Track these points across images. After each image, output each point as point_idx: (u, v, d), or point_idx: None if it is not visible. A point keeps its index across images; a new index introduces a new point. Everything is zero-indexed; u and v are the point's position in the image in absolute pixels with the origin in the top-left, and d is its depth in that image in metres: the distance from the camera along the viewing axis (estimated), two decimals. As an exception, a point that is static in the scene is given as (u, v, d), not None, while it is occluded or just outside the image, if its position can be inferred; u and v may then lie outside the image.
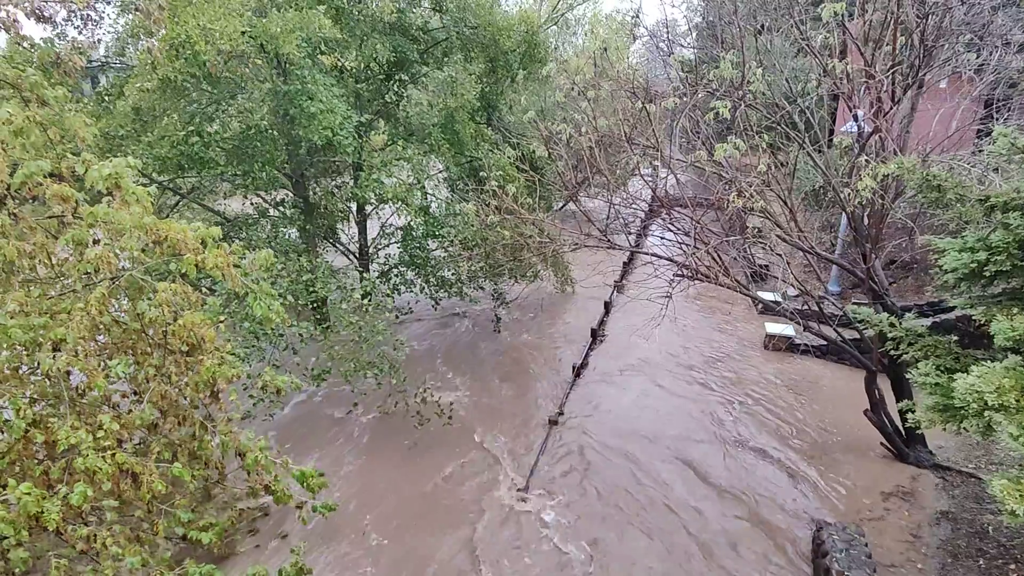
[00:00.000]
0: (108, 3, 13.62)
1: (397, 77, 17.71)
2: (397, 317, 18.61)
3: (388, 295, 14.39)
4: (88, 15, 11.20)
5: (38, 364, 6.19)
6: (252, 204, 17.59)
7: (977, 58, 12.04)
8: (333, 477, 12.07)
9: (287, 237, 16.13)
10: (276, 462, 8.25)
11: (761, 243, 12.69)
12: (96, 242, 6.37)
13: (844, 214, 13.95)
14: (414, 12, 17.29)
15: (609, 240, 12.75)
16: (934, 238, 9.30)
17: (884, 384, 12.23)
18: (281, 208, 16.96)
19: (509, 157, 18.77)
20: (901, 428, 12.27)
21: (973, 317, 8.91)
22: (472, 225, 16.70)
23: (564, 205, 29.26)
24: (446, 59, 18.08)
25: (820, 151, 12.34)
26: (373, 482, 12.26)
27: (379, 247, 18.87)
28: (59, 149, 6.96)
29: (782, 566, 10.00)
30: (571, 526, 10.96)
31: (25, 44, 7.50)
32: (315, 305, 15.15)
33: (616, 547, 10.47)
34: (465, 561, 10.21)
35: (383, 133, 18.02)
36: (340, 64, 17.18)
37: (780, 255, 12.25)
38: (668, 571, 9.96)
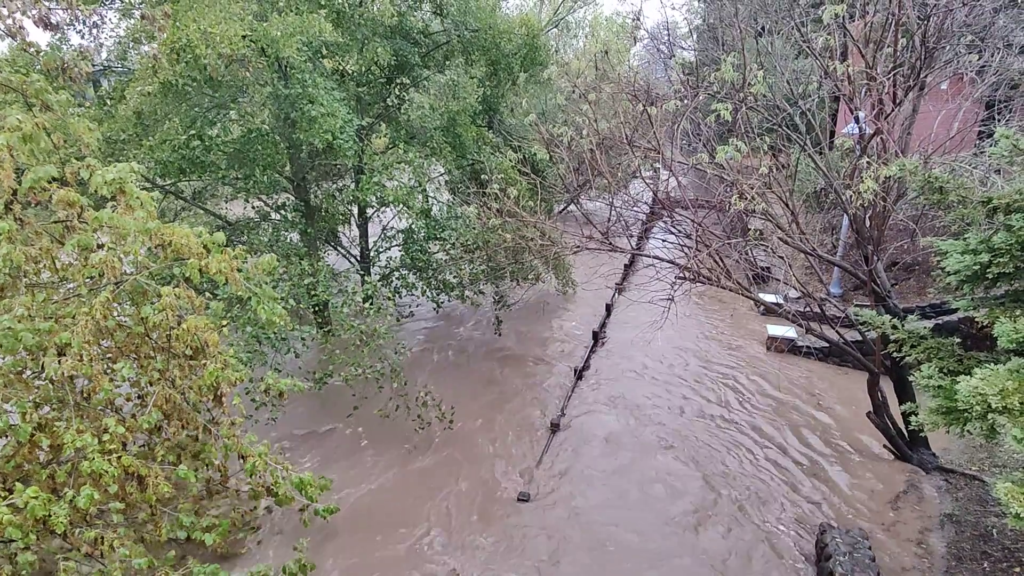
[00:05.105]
0: (110, 7, 13.69)
1: (398, 80, 17.76)
2: (399, 320, 18.63)
3: (389, 298, 14.40)
4: (96, 22, 11.25)
5: (43, 368, 6.20)
6: (253, 208, 17.62)
7: (978, 59, 12.05)
8: (334, 480, 12.07)
9: (288, 240, 16.16)
10: (277, 468, 8.26)
11: (763, 245, 12.71)
12: (100, 247, 6.39)
13: (846, 216, 13.96)
14: (415, 16, 17.35)
15: (610, 242, 12.77)
16: (936, 240, 9.30)
17: (887, 386, 12.22)
18: (282, 211, 16.99)
19: (510, 160, 18.81)
20: (904, 430, 12.26)
21: (976, 319, 8.91)
22: (473, 228, 16.74)
23: (565, 208, 29.30)
24: (447, 62, 18.13)
25: (821, 153, 12.37)
26: (373, 485, 12.25)
27: (380, 250, 18.89)
28: (63, 153, 6.98)
29: (785, 570, 9.98)
30: (568, 531, 10.92)
31: (31, 51, 7.54)
32: (316, 309, 15.16)
33: (616, 547, 10.46)
34: (463, 561, 10.21)
35: (384, 136, 18.07)
36: (341, 68, 17.25)
37: (782, 257, 12.25)
38: None
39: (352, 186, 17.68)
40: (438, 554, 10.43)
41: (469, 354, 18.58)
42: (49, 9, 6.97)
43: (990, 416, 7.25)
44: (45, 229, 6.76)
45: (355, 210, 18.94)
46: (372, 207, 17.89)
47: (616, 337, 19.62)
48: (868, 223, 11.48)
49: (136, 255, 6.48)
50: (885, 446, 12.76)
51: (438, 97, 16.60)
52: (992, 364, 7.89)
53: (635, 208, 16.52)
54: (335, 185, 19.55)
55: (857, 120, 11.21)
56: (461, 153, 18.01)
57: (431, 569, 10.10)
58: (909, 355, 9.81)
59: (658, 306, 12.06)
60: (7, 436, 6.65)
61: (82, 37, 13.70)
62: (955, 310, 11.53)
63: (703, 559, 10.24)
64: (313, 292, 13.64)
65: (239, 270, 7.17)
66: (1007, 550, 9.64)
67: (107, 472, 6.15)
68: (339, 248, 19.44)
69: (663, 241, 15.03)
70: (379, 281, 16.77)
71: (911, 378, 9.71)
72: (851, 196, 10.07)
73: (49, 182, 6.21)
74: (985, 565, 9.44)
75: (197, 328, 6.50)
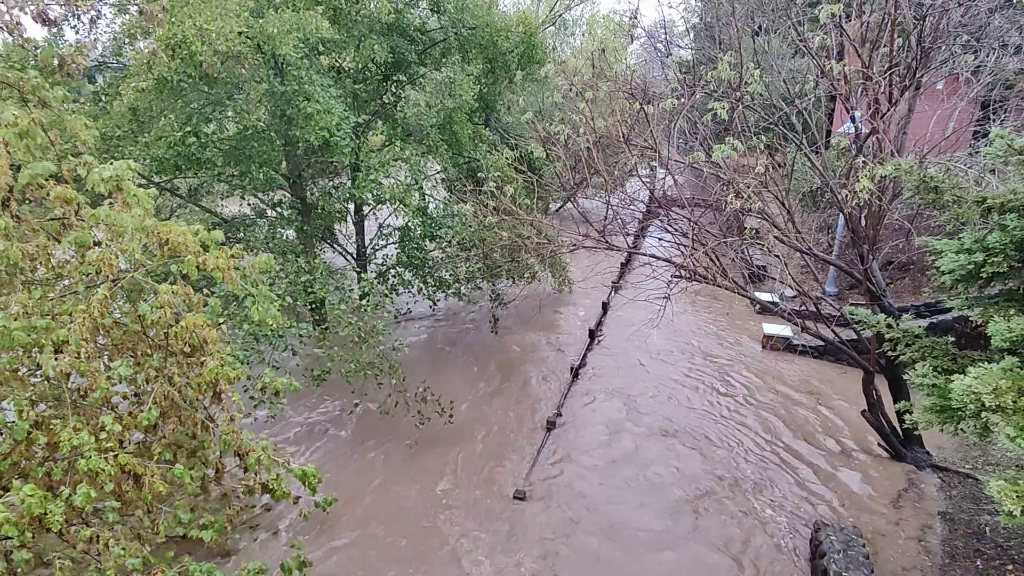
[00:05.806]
0: (106, 1, 13.60)
1: (395, 78, 17.73)
2: (396, 318, 18.61)
3: (386, 295, 14.40)
4: (94, 18, 11.19)
5: (40, 365, 6.19)
6: (249, 205, 17.57)
7: (974, 60, 12.09)
8: (334, 476, 12.08)
9: (285, 238, 16.11)
10: (278, 461, 8.27)
11: (759, 244, 12.74)
12: (97, 244, 6.36)
13: (841, 215, 14.01)
14: (412, 13, 17.29)
15: (607, 241, 12.78)
16: (931, 239, 9.35)
17: (881, 385, 12.28)
18: (279, 209, 16.95)
19: (507, 158, 18.79)
20: (899, 429, 12.34)
21: (970, 318, 8.96)
22: (470, 226, 16.72)
23: (562, 206, 29.29)
24: (444, 60, 18.09)
25: (817, 152, 12.40)
26: (372, 481, 12.26)
27: (377, 248, 18.87)
28: (59, 150, 6.95)
29: (779, 567, 10.03)
30: (564, 533, 10.93)
31: (28, 46, 7.50)
32: (313, 306, 15.13)
33: (616, 546, 10.50)
34: (458, 559, 10.22)
35: (381, 133, 18.04)
36: (338, 64, 17.20)
37: (778, 256, 12.32)
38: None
39: (348, 183, 17.64)
40: (439, 546, 10.45)
41: (466, 351, 18.59)
42: (46, 4, 6.93)
43: (984, 415, 7.29)
44: (42, 226, 6.73)
45: (351, 207, 18.91)
46: (368, 204, 17.86)
47: (613, 335, 19.66)
48: (864, 222, 11.53)
49: (133, 252, 6.46)
50: (879, 444, 12.83)
51: (435, 94, 16.56)
52: (986, 363, 7.93)
53: (632, 207, 16.56)
54: (331, 182, 19.51)
55: (853, 119, 11.25)
56: (457, 151, 17.98)
57: (435, 560, 10.11)
58: (904, 354, 9.87)
59: (654, 304, 12.09)
60: (3, 434, 6.64)
61: (77, 33, 13.62)
62: (949, 309, 11.63)
63: (697, 555, 10.28)
64: (310, 290, 13.62)
65: (236, 268, 7.16)
66: (1000, 548, 9.72)
67: (104, 470, 6.15)
68: (335, 245, 19.42)
69: (659, 240, 15.05)
70: (376, 279, 16.77)
71: (906, 377, 9.75)
72: (847, 195, 10.11)
73: (46, 179, 6.19)
74: (978, 563, 9.51)
75: (195, 325, 6.49)
